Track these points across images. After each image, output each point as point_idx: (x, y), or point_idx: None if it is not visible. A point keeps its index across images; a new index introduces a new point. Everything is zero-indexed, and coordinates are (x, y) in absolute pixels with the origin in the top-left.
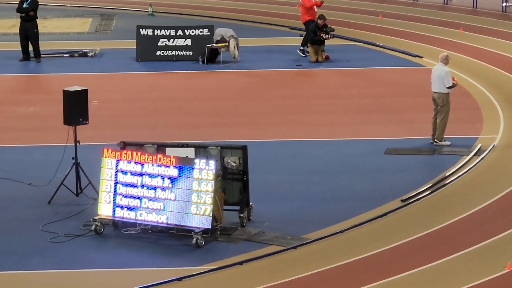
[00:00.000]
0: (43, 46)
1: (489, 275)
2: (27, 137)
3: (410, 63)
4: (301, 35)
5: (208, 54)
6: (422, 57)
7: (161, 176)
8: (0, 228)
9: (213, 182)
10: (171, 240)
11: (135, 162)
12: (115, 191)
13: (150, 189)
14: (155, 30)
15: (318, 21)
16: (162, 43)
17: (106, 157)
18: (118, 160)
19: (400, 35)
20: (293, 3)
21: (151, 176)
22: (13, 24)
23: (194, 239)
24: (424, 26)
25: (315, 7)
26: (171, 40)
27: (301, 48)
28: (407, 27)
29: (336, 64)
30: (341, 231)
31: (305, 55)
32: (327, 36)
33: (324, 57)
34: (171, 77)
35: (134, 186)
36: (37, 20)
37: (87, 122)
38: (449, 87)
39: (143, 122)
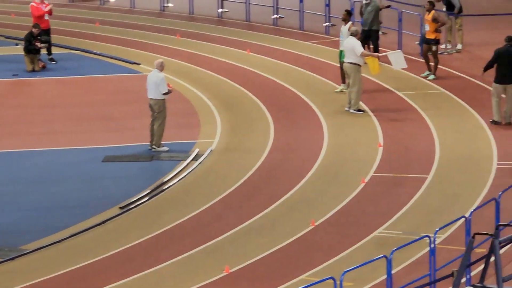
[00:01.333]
0: None
1: (209, 278)
2: None
3: (128, 70)
4: (17, 44)
5: None
6: (140, 64)
7: None
8: None
9: None
10: None
11: None
12: None
13: None
14: None
15: (33, 29)
16: None
17: None
18: None
19: (118, 42)
20: (7, 12)
21: None
22: None
23: None
24: (141, 32)
25: (46, 15)
26: None
27: (49, 57)
28: (125, 34)
29: (54, 73)
30: (60, 241)
31: (55, 62)
32: (42, 45)
33: (40, 66)
34: None
35: None
36: None
37: None
38: (164, 93)
39: None
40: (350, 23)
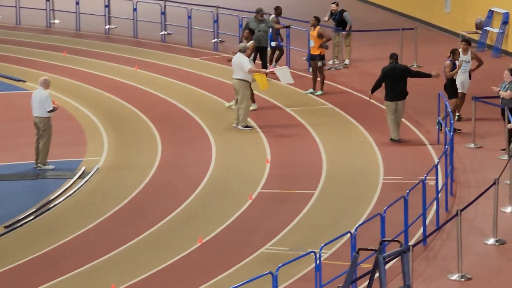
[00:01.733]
0: None
1: None
2: None
3: (13, 87)
4: None
5: None
6: (25, 81)
7: None
8: None
9: None
10: None
11: None
12: None
13: None
14: None
15: None
16: None
17: None
18: None
19: (2, 59)
20: None
21: None
22: None
23: None
24: (27, 49)
25: None
26: None
27: None
28: (10, 51)
29: None
30: None
31: None
32: None
33: None
34: None
35: None
36: None
37: None
38: (50, 111)
39: None
40: (252, 42)
